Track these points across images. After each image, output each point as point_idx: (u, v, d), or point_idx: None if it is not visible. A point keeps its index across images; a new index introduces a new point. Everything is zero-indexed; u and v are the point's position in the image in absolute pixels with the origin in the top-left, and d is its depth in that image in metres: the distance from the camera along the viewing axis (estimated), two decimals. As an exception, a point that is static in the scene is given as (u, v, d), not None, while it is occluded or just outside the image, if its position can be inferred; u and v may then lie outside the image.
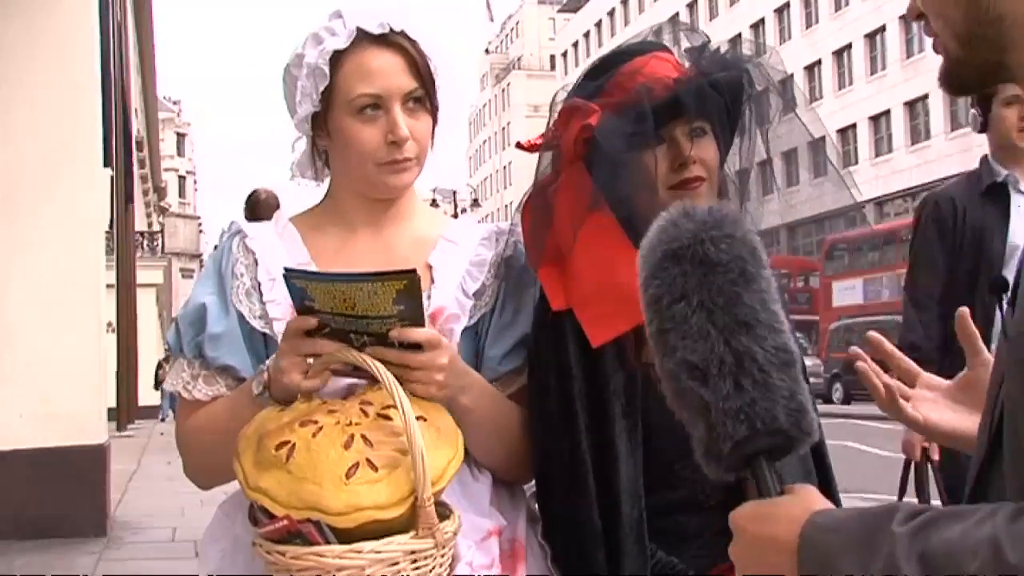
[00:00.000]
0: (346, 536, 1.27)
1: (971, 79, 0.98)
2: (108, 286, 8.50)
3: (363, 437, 1.31)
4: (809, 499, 0.92)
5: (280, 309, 1.56)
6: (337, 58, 1.55)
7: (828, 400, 22.80)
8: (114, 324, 14.39)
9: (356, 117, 1.54)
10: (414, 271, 1.35)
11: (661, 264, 0.95)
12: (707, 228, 0.94)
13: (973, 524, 0.78)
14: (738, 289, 0.92)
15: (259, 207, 7.04)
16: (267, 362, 1.46)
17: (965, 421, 1.27)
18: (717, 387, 0.91)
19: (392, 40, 1.56)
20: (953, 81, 0.99)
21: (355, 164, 1.58)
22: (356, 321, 1.38)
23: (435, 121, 1.62)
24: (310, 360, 1.40)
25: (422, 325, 1.40)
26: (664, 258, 0.95)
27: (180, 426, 1.62)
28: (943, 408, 1.31)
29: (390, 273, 1.36)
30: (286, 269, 1.42)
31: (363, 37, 1.55)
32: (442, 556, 1.32)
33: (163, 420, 18.81)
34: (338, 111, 1.56)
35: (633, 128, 1.48)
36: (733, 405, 0.90)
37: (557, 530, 1.51)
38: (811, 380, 1.76)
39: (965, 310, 1.32)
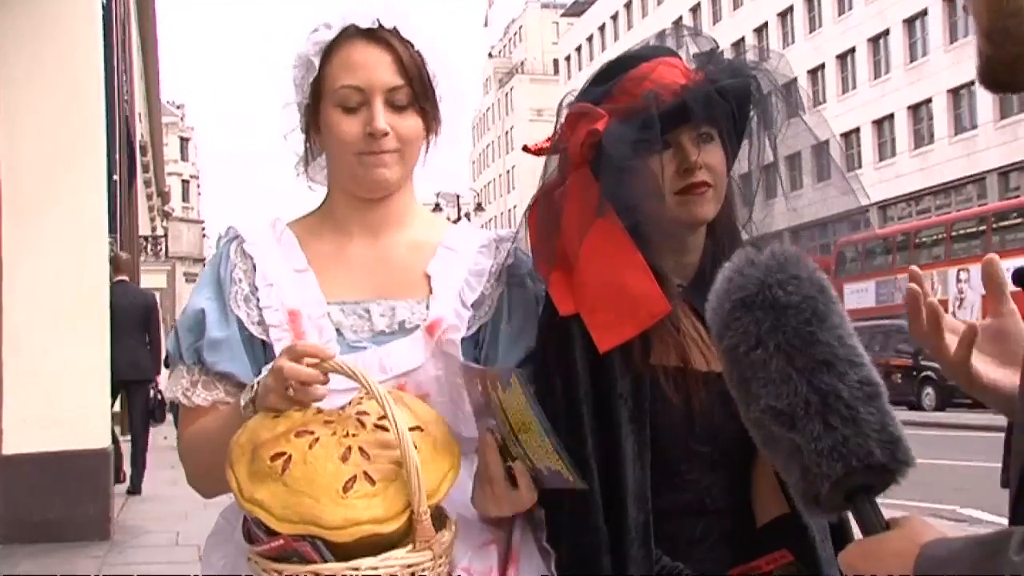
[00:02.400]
0: (343, 550, 1.26)
1: (1003, 75, 0.97)
2: (112, 290, 8.52)
3: (360, 449, 1.30)
4: (916, 531, 0.91)
5: (276, 316, 1.55)
6: (328, 52, 1.57)
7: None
8: (118, 328, 14.37)
9: (339, 108, 1.56)
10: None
11: (732, 315, 0.95)
12: (772, 272, 0.94)
13: None
14: (812, 328, 0.92)
15: (120, 267, 8.79)
16: (258, 378, 1.44)
17: (995, 373, 1.19)
18: (806, 429, 0.90)
19: (381, 36, 1.57)
20: (986, 78, 0.98)
21: (337, 156, 1.59)
22: (515, 444, 1.40)
23: (428, 123, 1.61)
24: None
25: None
26: (734, 308, 0.95)
27: (181, 435, 1.61)
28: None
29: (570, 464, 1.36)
30: (515, 371, 1.37)
31: (354, 32, 1.57)
32: (439, 566, 1.31)
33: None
34: (325, 103, 1.57)
35: (639, 135, 1.48)
36: (825, 445, 0.90)
37: (563, 534, 1.50)
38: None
39: (993, 256, 1.25)
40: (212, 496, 1.60)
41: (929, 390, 20.66)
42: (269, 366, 1.43)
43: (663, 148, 1.51)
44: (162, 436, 14.83)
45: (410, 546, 1.28)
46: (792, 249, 0.98)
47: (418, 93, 1.58)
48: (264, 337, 1.56)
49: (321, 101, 1.58)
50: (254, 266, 1.60)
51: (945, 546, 0.87)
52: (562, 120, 1.59)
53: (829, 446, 0.89)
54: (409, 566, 1.27)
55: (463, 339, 1.57)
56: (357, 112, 1.55)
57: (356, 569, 1.25)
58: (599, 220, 1.50)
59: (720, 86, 1.51)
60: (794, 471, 0.93)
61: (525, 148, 1.68)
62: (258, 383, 1.42)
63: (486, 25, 78.50)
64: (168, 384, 1.61)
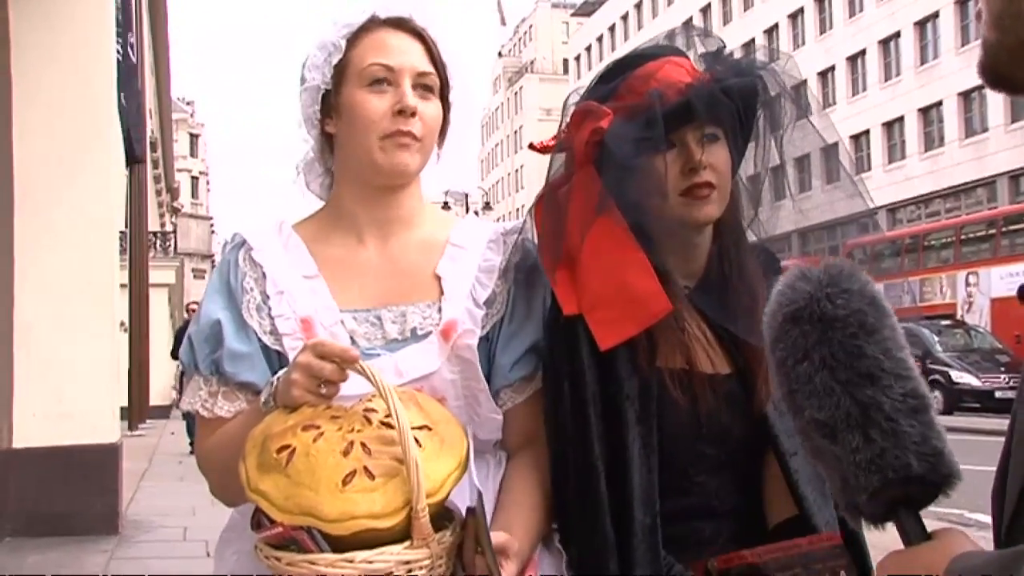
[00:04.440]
0: (341, 544, 1.27)
1: (1005, 66, 0.94)
2: (121, 286, 8.54)
3: (363, 445, 1.31)
4: (951, 544, 0.91)
5: (288, 324, 1.54)
6: (354, 38, 1.57)
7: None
8: (127, 324, 14.43)
9: (366, 88, 1.55)
10: None
11: (783, 328, 0.96)
12: (823, 286, 0.95)
13: None
14: (859, 342, 0.93)
15: None
16: (279, 374, 1.44)
17: None
18: (846, 441, 0.91)
19: (411, 26, 1.59)
20: (988, 69, 0.96)
21: (359, 139, 1.56)
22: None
23: (446, 119, 1.62)
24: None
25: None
26: (785, 321, 0.96)
27: (200, 446, 1.59)
28: None
29: None
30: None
31: (384, 22, 1.59)
32: (438, 566, 1.31)
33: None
34: (349, 85, 1.56)
35: (643, 133, 1.48)
36: (864, 457, 0.91)
37: (571, 536, 1.51)
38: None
39: None
40: (236, 505, 1.57)
41: (937, 393, 20.55)
42: (291, 364, 1.43)
43: (668, 147, 1.51)
44: (170, 432, 14.89)
45: (407, 543, 1.28)
46: (845, 262, 0.98)
47: (443, 83, 1.60)
48: (278, 347, 1.54)
49: (344, 84, 1.57)
50: (264, 274, 1.58)
51: (972, 560, 0.88)
52: (568, 118, 1.60)
53: (867, 458, 0.90)
54: (406, 563, 1.28)
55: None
56: (384, 92, 1.55)
57: (350, 561, 1.26)
58: (600, 218, 1.50)
59: (725, 85, 1.51)
60: (835, 481, 0.94)
61: (531, 146, 1.68)
62: (278, 379, 1.42)
63: (503, 24, 78.29)
64: (185, 395, 1.59)
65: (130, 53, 7.62)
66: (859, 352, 0.92)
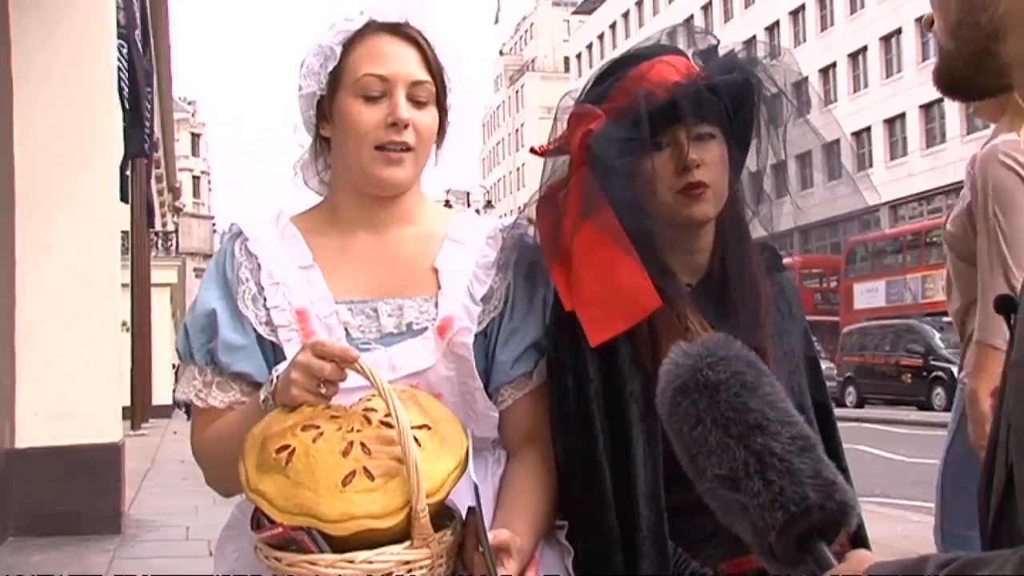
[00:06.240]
0: (341, 544, 1.27)
1: (962, 73, 0.96)
2: (123, 285, 8.55)
3: (362, 445, 1.31)
4: (863, 559, 0.97)
5: (284, 316, 1.55)
6: (350, 43, 1.57)
7: (841, 404, 22.71)
8: (128, 323, 14.44)
9: (360, 98, 1.55)
10: None
11: (674, 401, 1.03)
12: (702, 358, 1.02)
13: (994, 570, 0.81)
14: (743, 399, 1.00)
15: None
16: (276, 369, 1.44)
17: None
18: (748, 488, 0.97)
19: (407, 32, 1.58)
20: (944, 76, 0.98)
21: (352, 150, 1.56)
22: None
23: (442, 123, 1.62)
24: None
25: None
26: (675, 395, 1.03)
27: (196, 436, 1.59)
28: None
29: None
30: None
31: (380, 27, 1.58)
32: (439, 566, 1.32)
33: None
34: (343, 92, 1.56)
35: (628, 134, 1.49)
36: (766, 498, 0.97)
37: (577, 532, 1.52)
38: (825, 383, 1.76)
39: None
40: (231, 495, 1.58)
41: (939, 390, 20.57)
42: (287, 361, 1.43)
43: (662, 147, 1.52)
44: (172, 431, 14.90)
45: (407, 543, 1.28)
46: (719, 335, 1.07)
47: (439, 91, 1.59)
48: (272, 338, 1.55)
49: (339, 91, 1.57)
50: (259, 265, 1.59)
51: (884, 567, 0.93)
52: (563, 121, 1.60)
53: (770, 499, 0.96)
54: (406, 563, 1.28)
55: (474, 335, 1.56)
56: (378, 103, 1.55)
57: (351, 562, 1.26)
58: (591, 218, 1.51)
59: (711, 83, 1.51)
60: (746, 529, 0.99)
61: (532, 150, 1.68)
62: (277, 376, 1.42)
63: (496, 22, 78.37)
64: (180, 384, 1.60)
65: (134, 55, 7.60)
66: (745, 407, 0.99)
